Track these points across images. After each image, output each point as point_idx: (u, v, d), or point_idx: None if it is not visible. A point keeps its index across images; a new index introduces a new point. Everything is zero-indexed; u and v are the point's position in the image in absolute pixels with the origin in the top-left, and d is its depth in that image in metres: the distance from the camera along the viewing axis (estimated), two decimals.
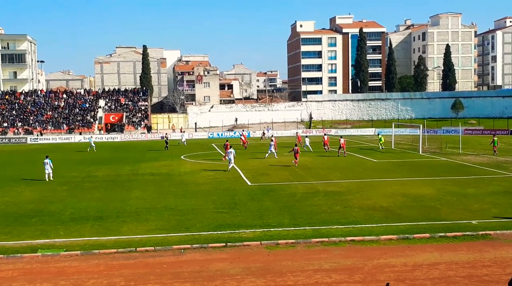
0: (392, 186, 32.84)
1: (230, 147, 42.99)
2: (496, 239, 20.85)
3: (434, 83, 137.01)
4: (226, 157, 42.85)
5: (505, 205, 26.58)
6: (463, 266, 17.77)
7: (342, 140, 51.64)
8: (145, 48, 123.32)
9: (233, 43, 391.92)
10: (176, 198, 30.04)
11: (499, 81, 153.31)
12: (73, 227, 23.43)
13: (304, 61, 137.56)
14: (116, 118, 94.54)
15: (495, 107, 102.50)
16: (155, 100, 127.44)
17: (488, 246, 19.90)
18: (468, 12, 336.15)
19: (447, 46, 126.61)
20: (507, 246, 19.87)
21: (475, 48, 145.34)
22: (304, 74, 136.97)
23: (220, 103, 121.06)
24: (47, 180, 37.39)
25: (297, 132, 68.85)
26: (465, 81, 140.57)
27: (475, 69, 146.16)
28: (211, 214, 25.60)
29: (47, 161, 38.05)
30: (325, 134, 61.75)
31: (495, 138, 51.79)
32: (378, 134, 60.07)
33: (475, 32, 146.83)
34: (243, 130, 78.51)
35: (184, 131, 76.39)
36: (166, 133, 73.57)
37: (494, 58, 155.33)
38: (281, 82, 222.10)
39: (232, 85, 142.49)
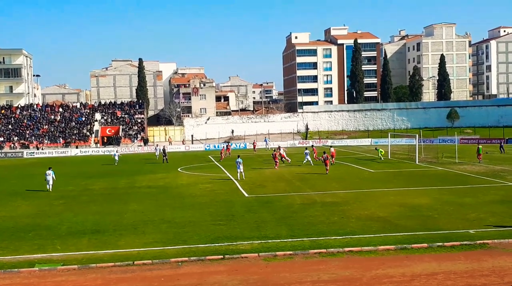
0: (389, 196, 32.85)
1: (238, 157, 45.42)
2: (494, 248, 20.84)
3: (429, 93, 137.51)
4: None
5: (502, 214, 26.59)
6: (462, 276, 17.75)
7: (332, 149, 53.23)
8: (141, 61, 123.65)
9: (228, 55, 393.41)
10: (173, 211, 29.98)
11: (494, 91, 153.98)
12: (70, 241, 23.33)
13: (300, 73, 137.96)
14: (113, 131, 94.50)
15: (490, 116, 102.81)
16: (151, 113, 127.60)
17: (486, 255, 19.88)
18: (462, 22, 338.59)
19: (442, 56, 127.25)
20: (505, 255, 19.85)
21: (469, 58, 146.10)
22: (300, 85, 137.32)
23: (217, 115, 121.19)
24: (50, 190, 38.80)
25: (312, 145, 65.06)
26: (460, 91, 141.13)
27: (470, 78, 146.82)
28: (208, 226, 25.55)
29: (49, 172, 39.29)
30: (331, 146, 62.02)
31: (480, 146, 52.98)
32: (376, 148, 59.91)
33: (470, 42, 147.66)
34: (227, 143, 78.35)
35: (158, 145, 74.98)
36: (157, 145, 73.56)
37: (488, 68, 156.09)
38: (277, 94, 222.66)
39: (228, 97, 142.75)
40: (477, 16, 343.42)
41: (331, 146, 57.24)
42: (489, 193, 33.26)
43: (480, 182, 38.45)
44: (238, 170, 42.84)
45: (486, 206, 28.78)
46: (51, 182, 39.33)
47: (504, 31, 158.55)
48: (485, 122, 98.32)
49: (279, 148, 58.57)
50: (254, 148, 73.62)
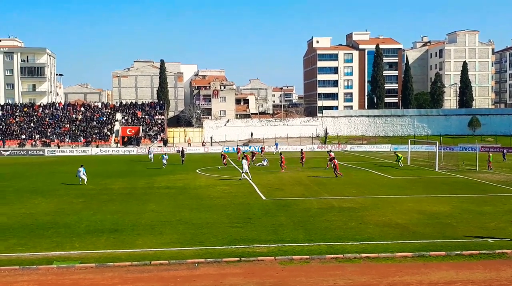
0: (407, 203, 32.63)
1: (244, 158, 46.47)
2: None
3: (450, 100, 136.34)
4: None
5: None
6: (479, 285, 17.57)
7: (332, 154, 53.35)
8: (162, 62, 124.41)
9: (249, 58, 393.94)
10: (191, 212, 30.10)
11: None
12: (89, 239, 23.55)
13: (320, 77, 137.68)
14: (133, 131, 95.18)
15: None
16: (171, 114, 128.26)
17: (505, 265, 19.66)
18: (486, 29, 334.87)
19: (464, 63, 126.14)
20: None
21: (492, 66, 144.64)
22: (320, 90, 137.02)
23: (236, 118, 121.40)
24: (85, 183, 41.80)
25: (329, 151, 61.46)
26: (482, 99, 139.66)
27: (492, 86, 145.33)
28: (225, 228, 25.61)
29: (80, 169, 42.35)
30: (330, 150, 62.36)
31: (490, 154, 54.71)
32: (395, 153, 59.08)
33: (493, 49, 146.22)
34: (223, 149, 74.84)
35: (150, 148, 74.34)
36: (149, 148, 73.48)
37: (511, 76, 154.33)
38: (296, 98, 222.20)
39: (248, 100, 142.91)
40: (501, 24, 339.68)
41: (330, 150, 58.67)
42: (508, 202, 32.88)
43: (500, 191, 38.02)
44: (243, 171, 44.66)
45: (506, 215, 28.44)
46: (84, 177, 42.14)
47: None
48: (507, 131, 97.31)
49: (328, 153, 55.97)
50: (262, 152, 70.55)
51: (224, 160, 57.10)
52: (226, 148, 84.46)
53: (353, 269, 19.32)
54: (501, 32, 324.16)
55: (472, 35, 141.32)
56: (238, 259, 20.33)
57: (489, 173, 49.44)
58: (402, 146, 79.60)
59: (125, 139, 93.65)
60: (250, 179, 43.73)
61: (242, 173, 44.91)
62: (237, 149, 73.18)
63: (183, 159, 61.40)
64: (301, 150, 61.41)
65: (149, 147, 77.36)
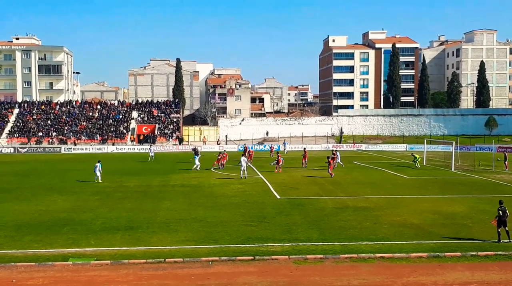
0: (423, 203, 32.45)
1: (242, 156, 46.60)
2: None
3: (467, 100, 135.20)
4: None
5: None
6: None
7: (337, 153, 53.90)
8: (178, 61, 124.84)
9: (265, 57, 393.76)
10: (206, 210, 30.20)
11: None
12: (104, 237, 23.73)
13: (336, 76, 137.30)
14: (149, 129, 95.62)
15: None
16: (187, 112, 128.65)
17: None
18: (504, 29, 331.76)
19: (482, 63, 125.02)
20: None
21: (510, 65, 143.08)
22: (336, 89, 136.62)
23: (251, 117, 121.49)
24: (100, 181, 41.94)
25: (335, 150, 62.01)
26: (500, 99, 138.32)
27: (510, 86, 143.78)
28: (239, 227, 25.66)
29: (97, 164, 42.50)
30: (335, 150, 61.96)
31: (507, 154, 55.46)
32: (412, 154, 57.61)
33: (511, 49, 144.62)
34: (222, 151, 63.81)
35: (151, 146, 73.31)
36: (151, 146, 72.30)
37: None
38: (312, 97, 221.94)
39: (263, 98, 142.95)
40: None
41: (334, 150, 58.58)
42: None
43: None
44: (242, 169, 44.62)
45: None
46: (98, 174, 42.21)
47: None
48: None
49: (332, 153, 54.48)
50: (271, 151, 70.91)
51: (223, 161, 54.01)
52: (241, 146, 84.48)
53: (367, 269, 19.27)
54: None
55: (489, 34, 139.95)
56: (252, 257, 20.38)
57: (505, 174, 48.99)
58: (418, 145, 79.12)
59: (141, 137, 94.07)
60: (245, 178, 44.02)
61: (241, 170, 44.78)
62: (270, 148, 73.82)
63: (196, 157, 60.17)
64: (304, 149, 61.03)
65: (150, 145, 76.72)
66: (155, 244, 22.51)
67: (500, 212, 22.78)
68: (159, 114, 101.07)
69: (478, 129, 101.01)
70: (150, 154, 65.86)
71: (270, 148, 73.40)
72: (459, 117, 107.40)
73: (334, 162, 50.06)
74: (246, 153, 59.02)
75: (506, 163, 52.92)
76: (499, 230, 22.78)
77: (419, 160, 55.64)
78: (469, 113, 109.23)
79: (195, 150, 62.92)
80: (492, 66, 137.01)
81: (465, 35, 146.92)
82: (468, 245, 22.29)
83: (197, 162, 52.30)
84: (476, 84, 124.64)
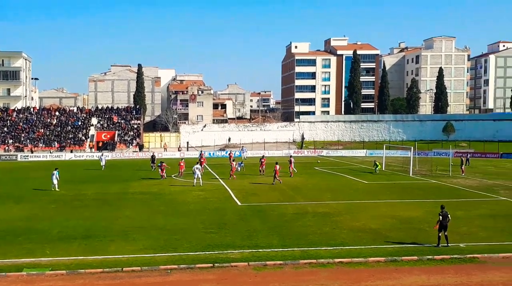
0: (381, 208, 32.86)
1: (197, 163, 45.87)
2: (484, 263, 20.86)
3: (426, 106, 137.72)
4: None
5: (493, 229, 26.64)
6: None
7: (292, 159, 53.79)
8: (140, 67, 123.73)
9: (228, 63, 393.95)
10: (165, 217, 29.93)
11: (490, 105, 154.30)
12: (60, 246, 23.25)
13: (298, 82, 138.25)
14: (108, 136, 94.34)
15: (486, 131, 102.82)
16: (148, 119, 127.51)
17: (476, 270, 19.90)
18: (462, 36, 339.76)
19: (440, 69, 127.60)
20: (495, 270, 19.87)
21: (467, 72, 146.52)
22: (298, 95, 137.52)
23: (213, 123, 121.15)
24: (57, 189, 40.94)
25: (291, 155, 62.83)
26: (457, 104, 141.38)
27: (467, 92, 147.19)
28: (199, 234, 25.51)
29: (54, 172, 41.76)
30: (291, 155, 62.70)
31: (463, 159, 57.26)
32: (375, 161, 57.66)
33: (468, 55, 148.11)
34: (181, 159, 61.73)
35: (103, 154, 68.64)
36: (102, 154, 68.20)
37: (486, 82, 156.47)
38: (274, 103, 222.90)
39: (225, 105, 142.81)
40: (477, 30, 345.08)
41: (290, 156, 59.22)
42: (480, 207, 33.31)
43: (472, 196, 38.51)
44: (195, 176, 44.05)
45: (477, 220, 28.82)
46: (55, 182, 41.36)
47: (504, 45, 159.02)
48: (481, 137, 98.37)
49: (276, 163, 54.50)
50: (230, 157, 65.94)
51: (181, 169, 52.48)
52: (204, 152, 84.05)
53: (326, 274, 19.38)
54: (477, 38, 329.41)
55: (448, 41, 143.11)
56: (212, 265, 20.27)
57: (462, 178, 50.03)
58: (378, 151, 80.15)
59: (100, 144, 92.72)
60: (200, 185, 43.55)
61: (194, 178, 44.25)
62: (229, 154, 70.81)
63: (153, 164, 59.36)
64: (262, 156, 60.11)
65: (102, 153, 72.81)
66: (113, 253, 22.18)
67: (441, 217, 23.25)
68: (119, 121, 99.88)
69: (436, 134, 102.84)
70: (102, 163, 62.07)
71: (229, 154, 71.66)
72: (418, 123, 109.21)
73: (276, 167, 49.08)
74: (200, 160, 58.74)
75: (463, 167, 54.02)
76: (440, 234, 23.22)
77: (379, 167, 56.29)
78: (428, 119, 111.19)
79: (152, 157, 62.20)
80: (451, 73, 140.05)
81: (425, 42, 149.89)
82: (424, 249, 22.65)
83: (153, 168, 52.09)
84: (435, 90, 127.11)
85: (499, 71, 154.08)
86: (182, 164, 53.36)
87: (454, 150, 69.33)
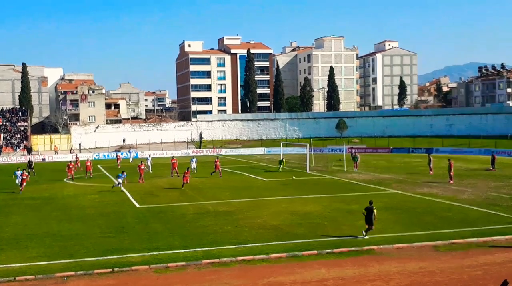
0: (281, 204, 33.31)
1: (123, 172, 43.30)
2: (380, 254, 21.63)
3: (319, 104, 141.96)
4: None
5: (386, 220, 27.74)
6: (350, 281, 18.23)
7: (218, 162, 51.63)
8: (24, 66, 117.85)
9: (119, 62, 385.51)
10: (59, 223, 28.59)
11: (379, 102, 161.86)
12: None
13: (193, 81, 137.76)
14: None
15: (376, 127, 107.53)
16: (35, 120, 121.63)
17: (373, 261, 20.58)
18: (350, 35, 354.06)
19: (331, 68, 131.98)
20: (390, 260, 20.65)
21: (357, 70, 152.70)
22: (194, 94, 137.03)
23: (107, 123, 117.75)
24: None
25: (194, 156, 63.96)
26: (349, 102, 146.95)
27: (357, 90, 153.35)
28: (97, 239, 24.58)
29: (18, 173, 42.66)
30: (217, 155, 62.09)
31: (358, 154, 58.17)
32: (283, 159, 58.22)
33: (357, 55, 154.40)
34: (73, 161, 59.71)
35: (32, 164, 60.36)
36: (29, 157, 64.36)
37: (374, 80, 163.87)
38: (170, 102, 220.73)
39: (119, 104, 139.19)
40: (364, 30, 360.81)
41: (217, 157, 58.45)
42: (374, 200, 34.49)
43: (366, 190, 39.98)
44: (118, 183, 41.24)
45: None
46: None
47: (389, 45, 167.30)
48: (371, 132, 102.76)
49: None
50: (118, 159, 64.74)
51: (70, 172, 49.72)
52: (97, 155, 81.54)
53: (229, 273, 19.28)
54: (364, 38, 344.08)
55: (337, 41, 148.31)
56: (111, 270, 19.58)
57: (356, 173, 51.88)
58: (275, 148, 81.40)
59: None
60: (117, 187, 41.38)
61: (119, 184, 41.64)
62: (116, 156, 68.49)
63: (31, 170, 55.19)
64: (173, 157, 58.89)
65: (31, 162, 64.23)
66: (4, 262, 20.85)
67: (365, 212, 24.05)
68: (4, 123, 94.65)
69: (329, 131, 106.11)
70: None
71: (116, 156, 68.95)
72: (312, 120, 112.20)
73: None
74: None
75: (357, 162, 55.81)
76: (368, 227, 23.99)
77: (283, 164, 56.46)
78: (321, 117, 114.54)
79: (29, 162, 58.97)
80: (341, 71, 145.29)
81: (315, 41, 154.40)
82: (324, 242, 23.15)
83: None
84: (327, 89, 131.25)
85: (386, 69, 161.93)
86: (89, 163, 52.66)
87: (347, 145, 71.72)
